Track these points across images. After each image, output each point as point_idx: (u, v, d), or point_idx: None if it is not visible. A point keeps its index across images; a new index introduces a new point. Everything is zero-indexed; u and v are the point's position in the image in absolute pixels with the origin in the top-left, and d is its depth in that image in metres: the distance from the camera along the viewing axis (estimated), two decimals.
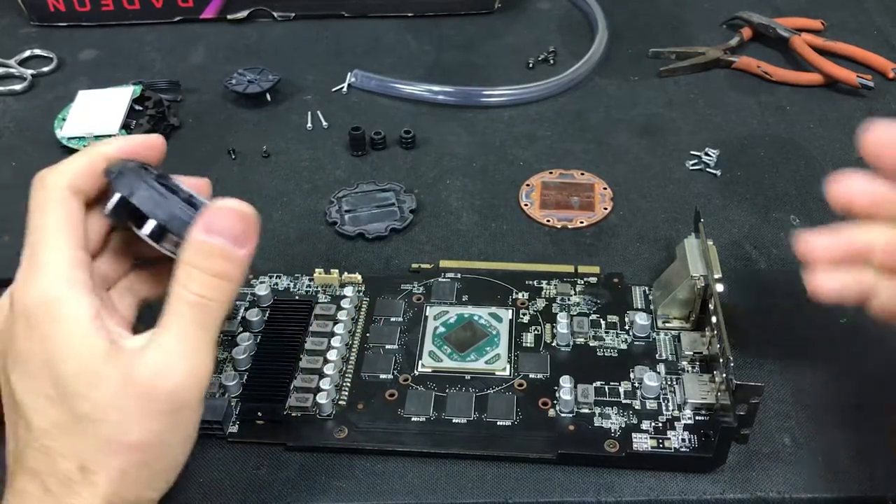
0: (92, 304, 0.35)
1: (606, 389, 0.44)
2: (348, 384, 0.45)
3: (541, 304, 0.49)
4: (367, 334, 0.48)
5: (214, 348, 0.36)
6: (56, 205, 0.36)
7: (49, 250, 0.35)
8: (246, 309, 0.49)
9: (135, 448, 0.34)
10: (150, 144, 0.40)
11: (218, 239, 0.35)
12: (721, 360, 0.41)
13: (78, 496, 0.33)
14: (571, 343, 0.47)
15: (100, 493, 0.34)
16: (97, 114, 0.63)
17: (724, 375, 0.40)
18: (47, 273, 0.35)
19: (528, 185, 0.59)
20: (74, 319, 0.34)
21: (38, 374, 0.34)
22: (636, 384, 0.44)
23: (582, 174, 0.60)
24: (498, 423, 0.43)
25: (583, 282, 0.50)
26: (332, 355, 0.46)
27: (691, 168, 0.60)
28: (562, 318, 0.47)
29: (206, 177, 0.60)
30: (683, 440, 0.42)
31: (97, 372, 0.34)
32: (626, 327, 0.47)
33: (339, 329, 0.47)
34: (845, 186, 0.37)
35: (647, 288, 0.50)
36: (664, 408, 0.43)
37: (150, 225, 0.36)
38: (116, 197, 0.36)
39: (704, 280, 0.45)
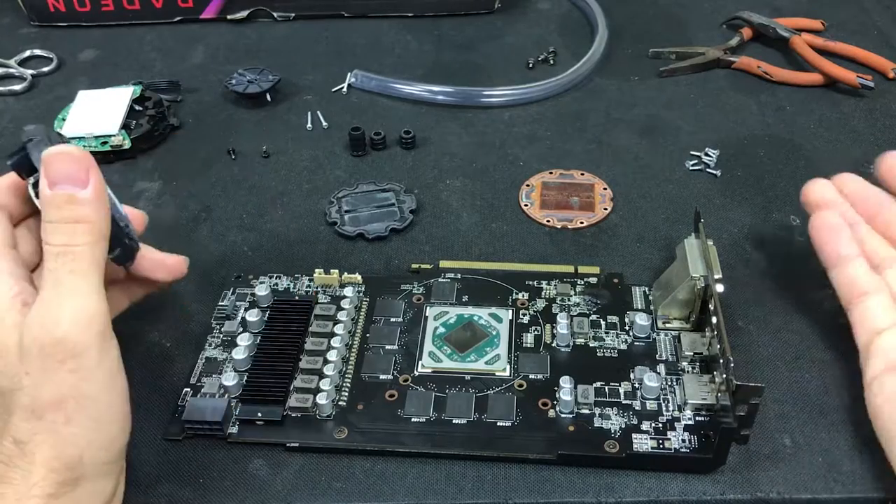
0: (14, 284, 0.37)
1: (606, 390, 0.44)
2: (348, 385, 0.45)
3: (541, 304, 0.49)
4: (367, 335, 0.48)
5: (98, 290, 0.37)
6: None
7: None
8: (246, 309, 0.49)
9: (52, 406, 0.35)
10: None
11: (62, 188, 0.37)
12: (721, 361, 0.41)
13: (18, 469, 0.35)
14: (571, 343, 0.47)
15: (37, 460, 0.35)
16: (97, 114, 0.63)
17: (725, 376, 0.40)
18: None
19: (528, 185, 0.59)
20: None
21: None
22: (636, 385, 0.44)
23: (582, 174, 0.60)
24: (498, 424, 0.43)
25: (583, 282, 0.50)
26: (331, 356, 0.46)
27: (691, 168, 0.60)
28: (562, 319, 0.47)
29: (206, 177, 0.61)
30: (683, 441, 0.42)
31: (5, 344, 0.35)
32: (626, 328, 0.47)
33: (339, 329, 0.47)
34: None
35: (647, 288, 0.50)
36: (664, 408, 0.43)
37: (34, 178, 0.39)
38: (20, 155, 0.38)
39: (704, 280, 0.45)
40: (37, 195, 0.38)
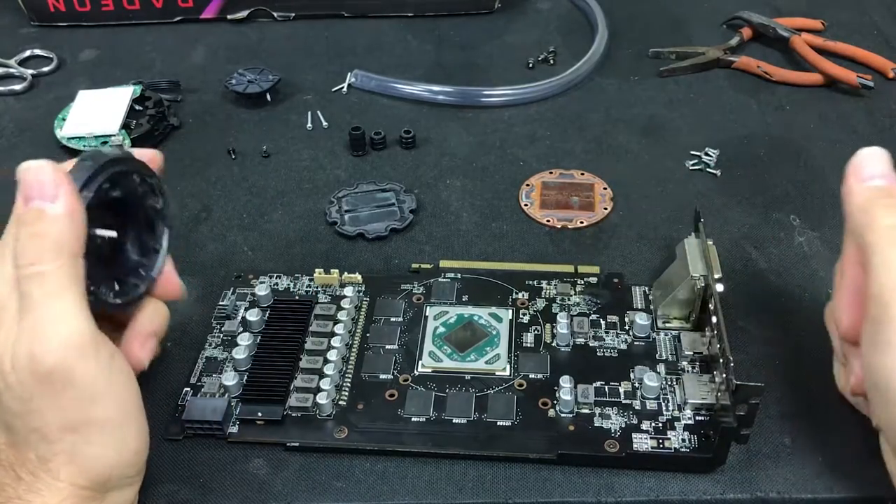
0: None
1: (606, 389, 0.44)
2: (348, 384, 0.45)
3: (541, 304, 0.49)
4: (367, 334, 0.48)
5: (79, 311, 0.34)
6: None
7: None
8: (246, 309, 0.49)
9: (66, 431, 0.34)
10: None
11: (35, 203, 0.35)
12: (721, 361, 0.41)
13: (44, 481, 0.34)
14: (571, 343, 0.47)
15: (62, 478, 0.34)
16: (97, 114, 0.63)
17: (725, 375, 0.40)
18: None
19: (528, 185, 0.59)
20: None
21: None
22: (636, 384, 0.44)
23: (582, 174, 0.60)
24: (498, 424, 0.43)
25: (583, 282, 0.50)
26: (332, 355, 0.46)
27: (691, 168, 0.60)
28: (562, 318, 0.47)
29: (206, 177, 0.61)
30: (683, 440, 0.42)
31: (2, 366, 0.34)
32: (626, 327, 0.47)
33: (339, 329, 0.47)
34: None
35: (647, 288, 0.50)
36: (664, 408, 0.43)
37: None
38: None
39: (704, 280, 0.45)
40: None
